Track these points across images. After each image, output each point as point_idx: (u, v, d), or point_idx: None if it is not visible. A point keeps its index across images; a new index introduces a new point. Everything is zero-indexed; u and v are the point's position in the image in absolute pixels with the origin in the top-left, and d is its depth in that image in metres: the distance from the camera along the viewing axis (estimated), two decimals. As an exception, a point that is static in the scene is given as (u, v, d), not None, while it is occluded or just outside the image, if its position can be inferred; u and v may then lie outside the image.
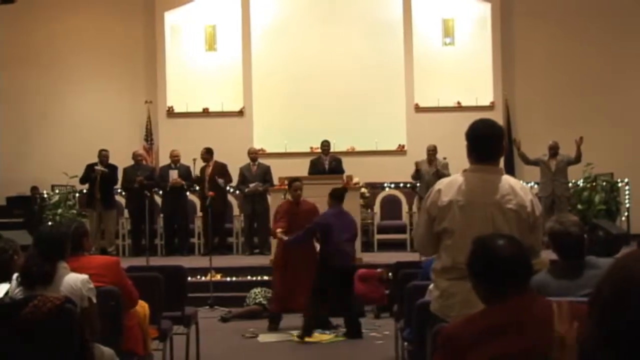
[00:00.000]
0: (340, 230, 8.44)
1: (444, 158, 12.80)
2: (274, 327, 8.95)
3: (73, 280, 4.55)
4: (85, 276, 4.63)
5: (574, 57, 15.56)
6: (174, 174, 13.30)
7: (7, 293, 4.67)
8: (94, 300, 4.60)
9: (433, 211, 3.93)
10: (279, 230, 8.80)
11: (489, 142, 3.95)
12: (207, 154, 13.31)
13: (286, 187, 9.88)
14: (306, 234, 8.57)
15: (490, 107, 15.38)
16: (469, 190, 3.88)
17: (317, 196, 10.44)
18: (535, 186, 13.27)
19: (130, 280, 5.39)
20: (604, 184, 13.55)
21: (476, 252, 2.84)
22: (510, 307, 2.64)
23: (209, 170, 13.22)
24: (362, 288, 9.94)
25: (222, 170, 13.28)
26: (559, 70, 15.58)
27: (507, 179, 3.94)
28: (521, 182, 4.13)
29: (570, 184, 13.26)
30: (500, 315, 2.65)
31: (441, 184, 4.00)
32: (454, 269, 3.84)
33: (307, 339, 8.29)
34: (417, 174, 12.92)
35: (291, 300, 8.90)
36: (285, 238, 8.67)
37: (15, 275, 4.51)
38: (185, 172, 13.34)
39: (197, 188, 13.47)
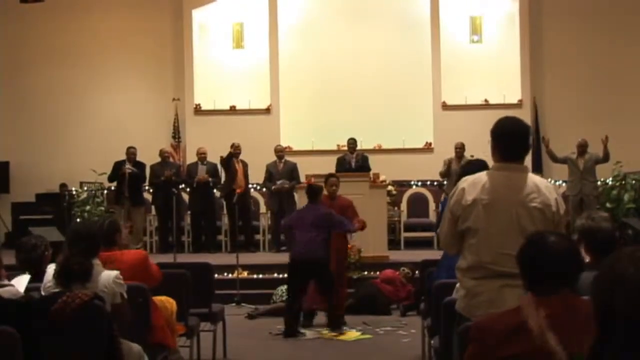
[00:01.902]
0: (306, 227, 8.55)
1: (471, 156, 12.74)
2: (307, 324, 8.97)
3: (105, 277, 4.63)
4: (116, 272, 4.71)
5: (603, 54, 15.41)
6: (202, 170, 13.38)
7: (27, 289, 4.74)
8: (125, 296, 4.66)
9: (457, 210, 3.90)
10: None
11: (514, 140, 3.92)
12: (239, 149, 13.39)
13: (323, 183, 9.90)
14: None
15: (518, 104, 15.28)
16: (493, 189, 3.84)
17: (344, 194, 10.44)
18: (564, 184, 13.18)
19: (156, 268, 5.52)
20: (634, 182, 13.41)
21: (529, 245, 2.83)
22: (551, 304, 2.64)
23: (240, 166, 13.29)
24: (388, 289, 10.01)
25: (245, 169, 13.34)
26: (588, 68, 15.43)
27: (531, 177, 3.91)
28: (548, 180, 4.11)
29: (599, 183, 13.15)
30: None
31: (465, 182, 3.96)
32: (479, 268, 3.83)
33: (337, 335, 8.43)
34: (447, 171, 12.85)
35: (316, 297, 8.97)
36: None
37: (51, 271, 4.57)
38: (212, 169, 13.41)
39: (223, 178, 13.47)
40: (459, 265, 3.98)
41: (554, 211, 3.82)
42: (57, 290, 4.35)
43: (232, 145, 13.29)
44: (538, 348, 2.52)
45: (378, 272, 10.60)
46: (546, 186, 3.92)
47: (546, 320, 2.52)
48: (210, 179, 13.36)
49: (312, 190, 8.92)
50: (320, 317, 9.10)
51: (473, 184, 3.90)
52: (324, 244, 8.52)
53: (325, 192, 9.44)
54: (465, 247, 3.90)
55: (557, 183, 14.00)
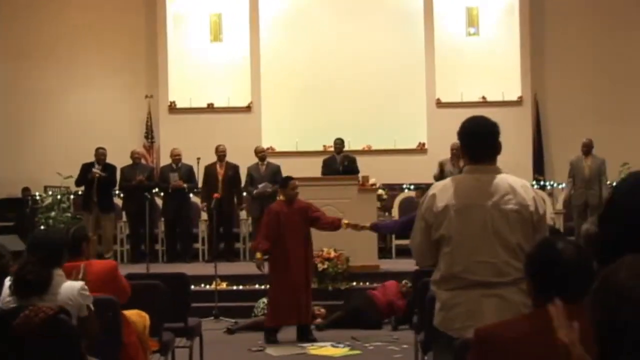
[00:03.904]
0: None
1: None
2: (272, 340, 8.92)
3: (69, 288, 4.56)
4: (80, 283, 4.66)
5: (607, 48, 15.48)
6: (174, 177, 13.29)
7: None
8: (92, 308, 4.61)
9: (429, 218, 3.92)
10: (258, 255, 9.21)
11: (481, 140, 3.96)
12: (222, 152, 13.41)
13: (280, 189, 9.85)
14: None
15: (518, 102, 15.33)
16: (464, 193, 3.87)
17: (331, 198, 10.43)
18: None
19: (125, 281, 5.48)
20: (642, 185, 13.41)
21: (537, 252, 2.84)
22: (582, 315, 2.63)
23: (222, 170, 13.28)
24: (385, 302, 9.90)
25: (234, 172, 13.32)
26: (592, 62, 15.50)
27: (505, 177, 3.93)
28: (527, 182, 4.12)
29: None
30: (545, 320, 2.64)
31: (436, 187, 4.01)
32: (453, 278, 3.85)
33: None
34: (441, 174, 12.84)
35: (286, 313, 8.94)
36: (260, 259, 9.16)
37: (7, 283, 4.51)
38: (187, 172, 13.35)
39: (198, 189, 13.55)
40: (433, 278, 4.01)
41: (532, 211, 3.84)
42: (16, 304, 4.30)
43: (216, 149, 13.32)
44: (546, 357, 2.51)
45: (368, 283, 10.59)
46: (522, 185, 3.94)
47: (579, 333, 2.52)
48: (185, 185, 13.29)
49: None
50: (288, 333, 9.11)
51: (444, 189, 3.94)
52: None
53: (281, 197, 9.42)
54: (440, 256, 3.92)
55: (560, 187, 14.05)
